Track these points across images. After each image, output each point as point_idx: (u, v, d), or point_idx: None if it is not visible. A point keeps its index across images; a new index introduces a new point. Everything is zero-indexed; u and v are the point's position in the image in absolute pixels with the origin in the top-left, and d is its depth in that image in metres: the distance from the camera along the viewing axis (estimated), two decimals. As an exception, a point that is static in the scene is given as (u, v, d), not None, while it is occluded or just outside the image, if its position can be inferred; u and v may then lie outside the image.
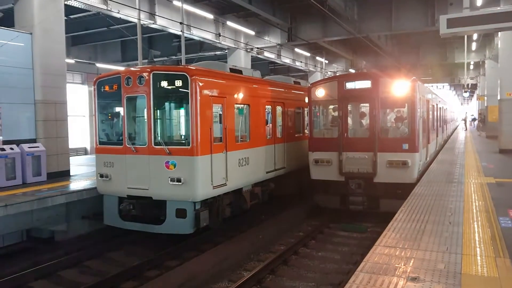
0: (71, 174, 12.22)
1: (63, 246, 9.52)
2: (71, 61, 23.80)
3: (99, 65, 25.55)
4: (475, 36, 22.96)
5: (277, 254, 8.63)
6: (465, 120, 46.19)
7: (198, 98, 8.39)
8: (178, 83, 8.51)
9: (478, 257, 4.82)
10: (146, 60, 14.59)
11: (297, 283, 7.53)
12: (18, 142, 10.75)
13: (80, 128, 27.69)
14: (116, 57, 25.64)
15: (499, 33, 18.15)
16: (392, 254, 4.98)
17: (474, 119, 49.04)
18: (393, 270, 4.46)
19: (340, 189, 11.23)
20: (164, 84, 8.66)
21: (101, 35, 22.95)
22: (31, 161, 10.68)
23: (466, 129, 41.75)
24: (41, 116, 11.32)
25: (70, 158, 20.03)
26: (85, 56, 25.42)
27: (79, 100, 27.87)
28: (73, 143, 28.70)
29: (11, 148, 10.36)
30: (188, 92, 8.36)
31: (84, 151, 28.50)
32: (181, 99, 8.92)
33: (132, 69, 9.26)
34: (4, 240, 9.27)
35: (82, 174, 12.43)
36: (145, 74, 8.70)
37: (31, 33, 11.10)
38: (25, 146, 10.69)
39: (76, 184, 10.60)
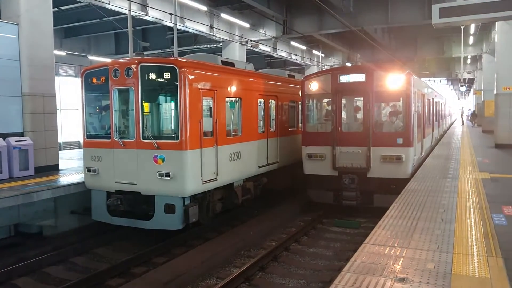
0: (60, 168, 12.00)
1: (51, 242, 9.36)
2: (62, 53, 23.48)
3: (91, 57, 25.24)
4: (472, 29, 22.74)
5: (268, 250, 8.48)
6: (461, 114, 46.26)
7: (187, 91, 8.19)
8: (167, 75, 8.32)
9: (470, 256, 4.67)
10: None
11: (287, 280, 7.39)
12: (5, 136, 10.53)
13: (74, 121, 27.46)
14: (109, 49, 25.34)
15: (496, 26, 17.95)
16: (381, 252, 4.82)
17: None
18: (381, 270, 4.30)
19: (334, 184, 11.09)
20: (152, 76, 8.46)
21: (94, 27, 22.65)
22: (18, 155, 10.46)
23: (463, 124, 41.75)
24: (28, 109, 11.08)
25: (63, 151, 19.96)
26: (78, 49, 25.10)
27: (72, 93, 27.64)
28: (66, 137, 28.67)
29: (-3, 142, 10.14)
30: (176, 85, 8.16)
31: (78, 145, 28.27)
32: (169, 92, 8.73)
33: (119, 60, 9.03)
34: (-9, 235, 9.10)
35: (71, 168, 12.21)
36: (133, 66, 8.50)
37: (17, 24, 10.83)
38: (12, 140, 10.46)
39: (64, 179, 10.39)
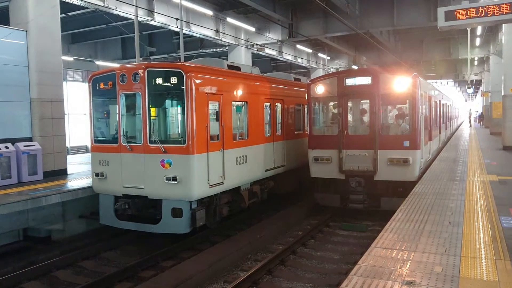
0: (68, 172, 12.10)
1: (59, 246, 9.43)
2: (70, 58, 23.69)
3: (98, 62, 25.45)
4: (478, 31, 22.65)
5: (275, 254, 8.48)
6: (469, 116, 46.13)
7: (194, 95, 8.23)
8: (174, 80, 8.37)
9: (478, 260, 4.65)
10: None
11: (294, 284, 7.38)
12: (14, 141, 10.65)
13: (81, 126, 27.67)
14: (116, 54, 25.54)
15: (503, 28, 17.87)
16: (389, 256, 4.81)
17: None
18: (389, 273, 4.29)
19: (340, 187, 11.08)
20: (159, 81, 8.53)
21: (101, 32, 22.83)
22: (26, 160, 10.57)
23: (471, 126, 41.58)
24: (37, 114, 11.20)
25: (71, 156, 20.12)
26: (85, 54, 25.32)
27: (79, 98, 27.87)
28: (74, 141, 28.87)
29: (6, 147, 10.25)
30: (183, 89, 8.21)
31: (85, 149, 28.49)
32: (176, 96, 8.79)
33: (126, 66, 9.11)
34: (0, 240, 9.16)
35: (79, 172, 12.32)
36: (140, 71, 8.56)
37: (26, 30, 10.97)
38: (21, 145, 10.58)
39: (72, 183, 10.48)
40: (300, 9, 21.40)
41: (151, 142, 8.51)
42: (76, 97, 28.54)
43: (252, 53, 23.48)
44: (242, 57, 22.02)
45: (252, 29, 21.14)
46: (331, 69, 33.70)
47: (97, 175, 9.20)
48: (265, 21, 21.11)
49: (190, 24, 18.09)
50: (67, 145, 23.10)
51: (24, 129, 11.09)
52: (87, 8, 15.98)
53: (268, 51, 24.66)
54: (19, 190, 9.51)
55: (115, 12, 14.95)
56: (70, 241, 9.71)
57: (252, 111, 10.37)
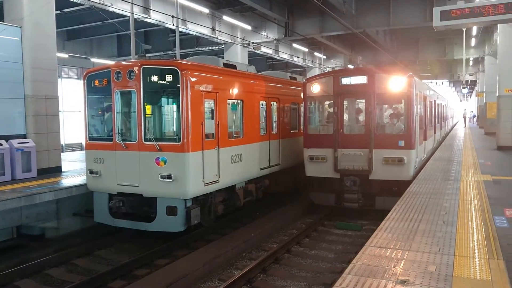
0: (63, 170, 12.04)
1: (53, 244, 9.38)
2: (65, 55, 23.57)
3: (94, 59, 25.34)
4: (474, 31, 22.75)
5: (269, 252, 8.48)
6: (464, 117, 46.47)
7: (189, 93, 8.20)
8: (169, 77, 8.33)
9: (471, 259, 4.66)
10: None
11: (289, 283, 7.38)
12: (8, 138, 10.57)
13: (76, 123, 27.56)
14: (112, 51, 25.44)
15: (498, 28, 17.96)
16: (383, 255, 4.82)
17: (474, 116, 49.93)
18: (383, 272, 4.30)
19: (335, 186, 11.09)
20: (154, 78, 8.48)
21: (96, 29, 22.74)
22: (20, 157, 10.50)
23: (465, 126, 41.84)
24: (31, 111, 11.13)
25: (66, 153, 20.02)
26: (80, 51, 25.20)
27: (74, 95, 27.75)
28: (68, 139, 28.75)
29: (0, 144, 10.17)
30: (178, 87, 8.17)
31: (80, 147, 28.36)
32: (171, 94, 8.74)
33: (122, 63, 9.07)
34: (-8, 237, 9.11)
35: (74, 170, 12.25)
36: (135, 69, 8.52)
37: (20, 27, 10.89)
38: (15, 142, 10.51)
39: (66, 181, 10.43)
40: (296, 8, 21.39)
41: (146, 140, 8.47)
42: (71, 94, 28.40)
43: (248, 51, 23.45)
44: (238, 56, 21.98)
45: (248, 27, 21.11)
46: (327, 68, 33.71)
47: (91, 172, 9.15)
48: (262, 19, 21.08)
49: (186, 22, 18.04)
50: (62, 142, 23.01)
51: (18, 126, 11.01)
52: (83, 5, 15.88)
53: (264, 49, 24.64)
54: (12, 188, 9.45)
55: (111, 9, 14.87)
56: (64, 239, 9.66)
57: (247, 110, 10.35)
